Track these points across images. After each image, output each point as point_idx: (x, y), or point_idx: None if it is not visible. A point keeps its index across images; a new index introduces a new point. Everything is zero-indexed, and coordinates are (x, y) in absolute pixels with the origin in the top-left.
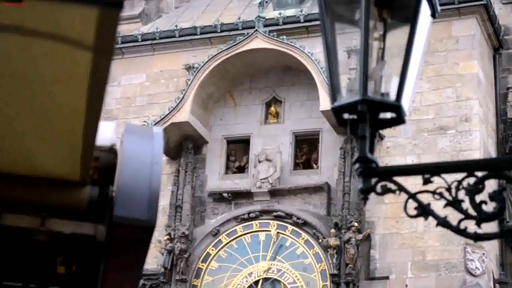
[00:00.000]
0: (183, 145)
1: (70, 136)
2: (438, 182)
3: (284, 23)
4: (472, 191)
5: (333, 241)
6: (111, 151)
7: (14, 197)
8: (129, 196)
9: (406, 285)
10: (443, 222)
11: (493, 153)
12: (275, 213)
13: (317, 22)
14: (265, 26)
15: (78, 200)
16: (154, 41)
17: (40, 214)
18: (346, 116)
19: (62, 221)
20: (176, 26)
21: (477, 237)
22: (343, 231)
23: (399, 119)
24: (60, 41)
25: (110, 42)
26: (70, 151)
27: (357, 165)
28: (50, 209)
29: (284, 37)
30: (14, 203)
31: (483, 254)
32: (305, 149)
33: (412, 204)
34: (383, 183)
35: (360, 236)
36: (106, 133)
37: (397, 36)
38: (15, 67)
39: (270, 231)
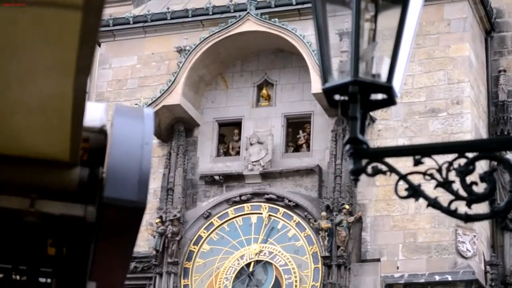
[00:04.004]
0: (175, 128)
1: (59, 115)
2: (429, 163)
3: (276, 6)
4: (463, 172)
5: (324, 224)
6: (101, 132)
7: (3, 178)
8: (119, 177)
9: (397, 267)
10: (433, 203)
11: (484, 136)
12: (266, 196)
13: (309, 5)
14: (257, 8)
15: (68, 181)
16: (146, 24)
17: (30, 196)
18: (337, 97)
19: (52, 202)
20: (168, 8)
21: (468, 218)
22: (334, 213)
23: (390, 100)
24: (48, 6)
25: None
26: (59, 131)
27: (348, 146)
28: (40, 190)
29: (276, 19)
30: (3, 184)
31: (474, 236)
32: (308, 128)
33: (403, 185)
34: (373, 164)
35: (351, 219)
36: (96, 114)
37: (389, 18)
38: (2, 40)
39: (261, 213)
